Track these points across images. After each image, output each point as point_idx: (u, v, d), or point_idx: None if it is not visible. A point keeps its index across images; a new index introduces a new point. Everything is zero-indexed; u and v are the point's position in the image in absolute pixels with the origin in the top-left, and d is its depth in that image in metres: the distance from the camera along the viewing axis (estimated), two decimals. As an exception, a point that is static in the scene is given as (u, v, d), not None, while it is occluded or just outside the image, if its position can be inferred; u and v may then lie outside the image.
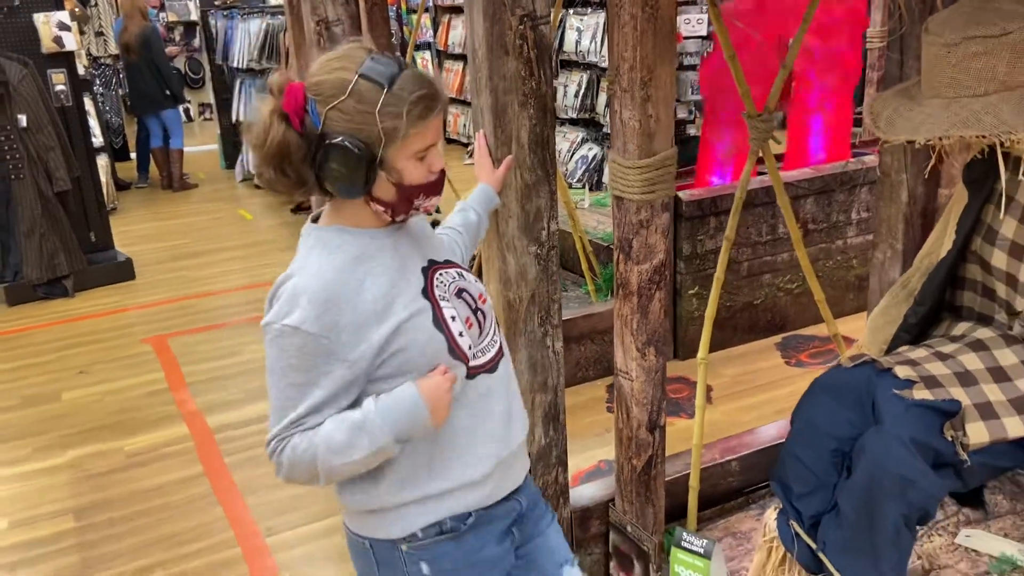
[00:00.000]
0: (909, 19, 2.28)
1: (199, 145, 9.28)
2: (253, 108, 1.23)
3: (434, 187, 1.28)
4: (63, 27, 4.77)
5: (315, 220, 1.33)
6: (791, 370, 3.53)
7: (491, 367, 1.35)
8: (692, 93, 6.40)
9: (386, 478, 1.29)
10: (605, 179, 6.31)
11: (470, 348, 1.30)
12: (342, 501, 1.36)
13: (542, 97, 1.80)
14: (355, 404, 1.25)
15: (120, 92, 8.51)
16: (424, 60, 9.37)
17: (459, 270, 1.39)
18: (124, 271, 5.04)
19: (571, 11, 6.67)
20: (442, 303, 1.29)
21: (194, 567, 2.45)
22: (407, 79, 1.19)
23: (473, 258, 3.82)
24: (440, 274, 1.34)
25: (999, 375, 1.58)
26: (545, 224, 1.87)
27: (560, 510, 2.11)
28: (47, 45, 4.74)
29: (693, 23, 6.09)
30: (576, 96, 6.69)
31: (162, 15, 8.85)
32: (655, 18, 1.66)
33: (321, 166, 1.20)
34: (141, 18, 6.80)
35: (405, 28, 8.57)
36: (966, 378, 1.58)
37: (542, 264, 1.89)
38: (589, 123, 6.78)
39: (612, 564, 2.16)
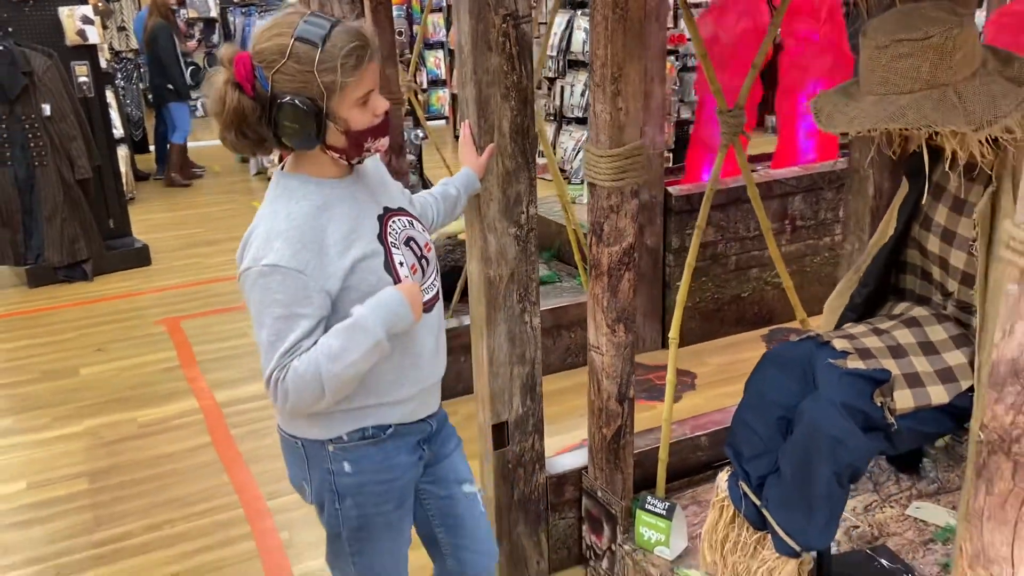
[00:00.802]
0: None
1: (213, 139, 9.50)
2: (208, 82, 1.39)
3: (380, 129, 1.43)
4: (87, 21, 4.97)
5: (283, 168, 1.50)
6: (774, 360, 3.66)
7: (428, 308, 1.53)
8: (694, 94, 6.53)
9: None
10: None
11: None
12: (286, 407, 1.51)
13: (523, 90, 1.96)
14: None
15: (141, 86, 8.75)
16: (437, 59, 9.56)
17: (409, 218, 1.55)
18: (141, 257, 5.25)
19: (579, 12, 6.81)
20: (393, 249, 1.46)
21: (199, 525, 2.63)
22: (338, 35, 1.33)
23: (459, 241, 3.99)
24: (393, 221, 1.51)
25: (928, 349, 1.73)
26: (524, 208, 2.03)
27: (536, 475, 2.27)
28: (71, 38, 4.94)
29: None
30: (583, 96, 6.83)
31: (183, 11, 9.08)
32: (624, 19, 1.81)
33: (276, 124, 1.35)
34: (157, 14, 7.00)
35: (417, 27, 8.74)
36: (898, 351, 1.72)
37: (521, 244, 2.05)
38: (594, 122, 6.91)
39: (584, 527, 2.32)
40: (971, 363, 1.69)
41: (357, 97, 1.37)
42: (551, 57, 6.88)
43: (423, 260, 1.53)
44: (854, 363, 1.68)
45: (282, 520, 2.64)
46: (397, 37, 5.53)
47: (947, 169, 1.62)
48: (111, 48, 7.89)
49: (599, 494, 2.21)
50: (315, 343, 1.38)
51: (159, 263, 5.30)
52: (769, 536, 1.80)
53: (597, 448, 2.19)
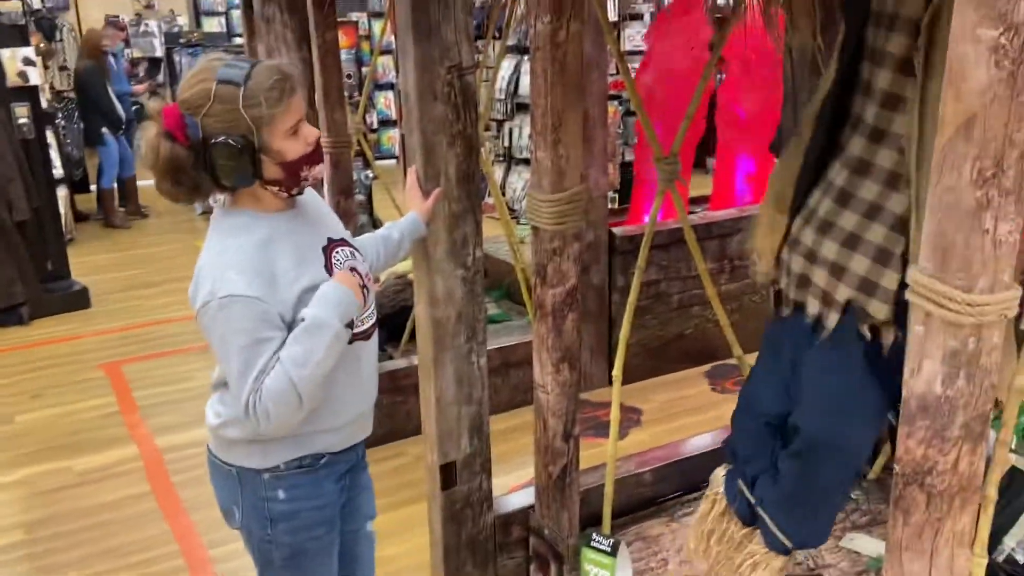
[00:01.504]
0: (800, 75, 2.57)
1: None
2: (141, 135, 1.44)
3: (314, 156, 1.50)
4: (28, 63, 4.93)
5: (224, 206, 1.54)
6: (716, 396, 3.76)
7: (366, 336, 1.59)
8: (637, 137, 6.72)
9: None
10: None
11: (356, 317, 1.52)
12: (219, 433, 1.56)
13: (468, 138, 2.02)
14: None
15: (81, 125, 8.61)
16: (387, 99, 9.64)
17: (351, 249, 1.61)
18: (80, 299, 5.14)
19: (526, 57, 6.99)
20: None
21: (140, 576, 2.58)
22: (259, 73, 1.40)
23: (409, 281, 4.01)
24: (337, 251, 1.56)
25: (852, 241, 1.59)
26: (471, 250, 2.09)
27: (484, 515, 2.29)
28: (12, 79, 4.88)
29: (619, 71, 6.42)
30: (530, 138, 6.96)
31: (127, 51, 9.01)
32: (563, 71, 1.90)
33: (212, 166, 1.40)
34: (86, 56, 6.96)
35: (366, 68, 8.82)
36: (835, 266, 1.59)
37: (468, 286, 2.10)
38: (541, 164, 7.05)
39: (532, 566, 2.34)
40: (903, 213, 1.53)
41: (286, 128, 1.43)
42: (499, 100, 7.02)
43: (364, 289, 1.58)
44: (831, 319, 1.62)
45: (224, 569, 2.60)
46: (346, 80, 5.59)
47: None
48: (52, 88, 7.77)
49: (546, 532, 2.24)
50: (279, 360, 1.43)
51: (99, 305, 5.19)
52: (756, 532, 1.84)
53: (543, 486, 2.22)
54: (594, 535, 2.14)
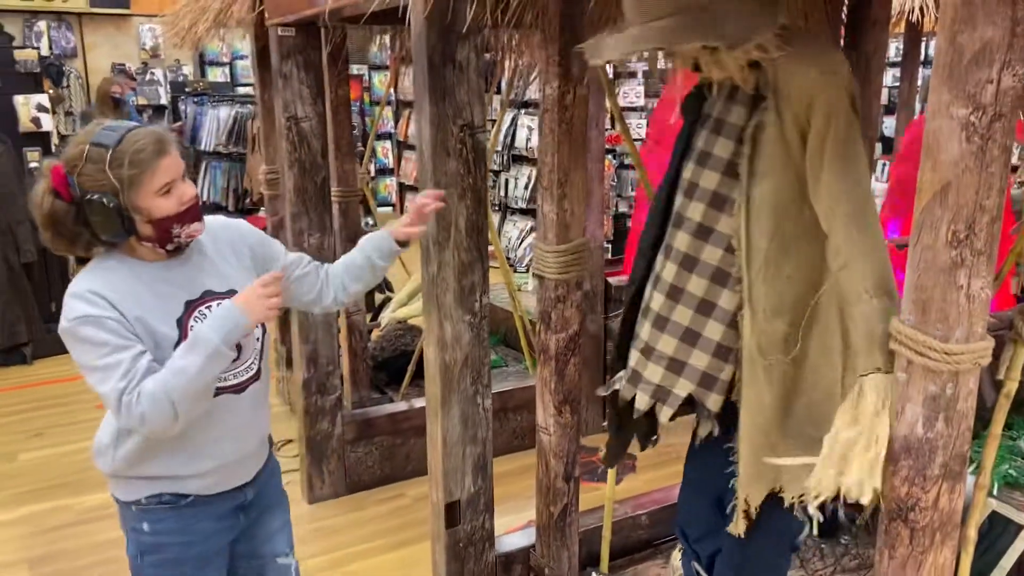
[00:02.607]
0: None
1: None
2: (33, 191, 1.54)
3: (187, 215, 1.55)
4: (41, 109, 5.07)
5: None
6: (709, 443, 3.83)
7: (238, 389, 1.63)
8: (631, 190, 6.91)
9: (121, 454, 1.58)
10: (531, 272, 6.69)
11: (224, 372, 1.55)
12: (97, 465, 1.63)
13: (477, 191, 2.15)
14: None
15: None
16: (384, 149, 9.85)
17: None
18: (82, 340, 5.19)
19: (523, 111, 7.20)
20: (191, 332, 1.53)
21: (143, 613, 2.60)
22: (130, 138, 1.50)
23: (409, 327, 4.07)
24: (206, 306, 1.59)
25: (690, 336, 1.64)
26: (478, 297, 2.19)
27: (486, 554, 2.35)
28: (25, 124, 5.01)
29: (633, 127, 6.65)
30: (526, 188, 7.14)
31: (133, 98, 9.19)
32: (569, 132, 2.03)
33: (86, 222, 1.49)
34: (98, 102, 6.82)
35: (368, 119, 9.03)
36: (674, 362, 1.65)
37: (475, 331, 2.20)
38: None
39: (532, 605, 2.40)
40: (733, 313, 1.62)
41: (156, 188, 1.51)
42: (497, 152, 7.21)
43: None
44: (640, 401, 1.71)
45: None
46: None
47: (714, 95, 1.61)
48: (58, 132, 7.93)
49: (547, 572, 2.30)
50: (147, 363, 1.47)
51: (101, 346, 5.24)
52: None
53: (544, 525, 2.29)
54: (593, 574, 2.20)
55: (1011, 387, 1.61)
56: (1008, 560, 2.15)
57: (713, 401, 1.65)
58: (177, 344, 1.52)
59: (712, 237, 1.61)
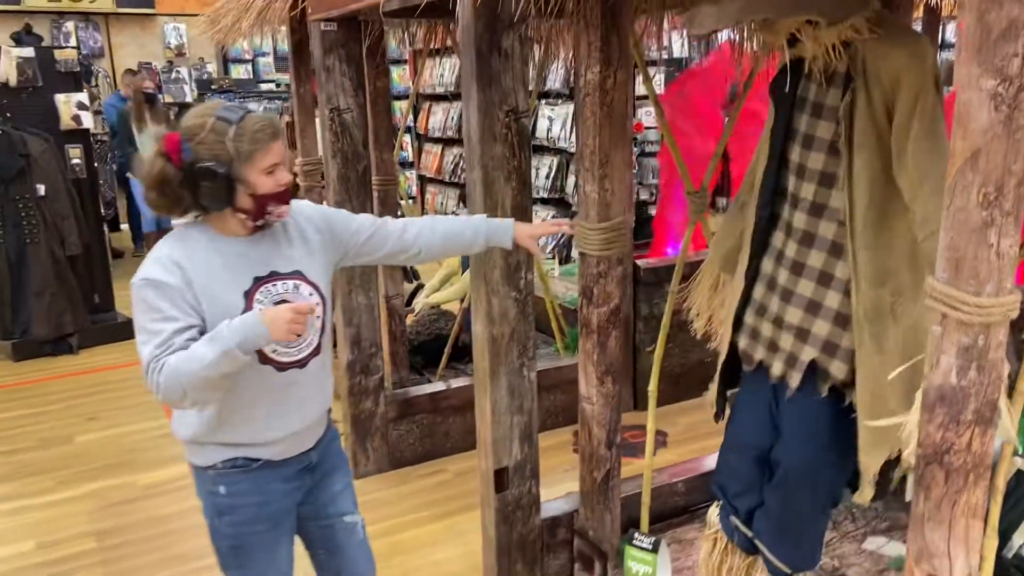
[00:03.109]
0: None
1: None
2: (145, 155, 1.70)
3: (282, 196, 1.70)
4: (82, 107, 5.23)
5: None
6: (738, 420, 3.94)
7: (301, 364, 1.75)
8: (653, 177, 7.00)
9: (203, 421, 1.70)
10: (573, 253, 6.81)
11: (269, 344, 1.65)
12: (176, 432, 1.77)
13: (522, 173, 2.26)
14: None
15: (113, 167, 8.94)
16: (405, 142, 9.98)
17: (297, 282, 1.75)
18: (125, 330, 5.36)
19: (543, 102, 7.30)
20: (256, 306, 1.66)
21: (207, 579, 2.75)
22: (251, 117, 1.65)
23: (443, 312, 4.22)
24: (275, 284, 1.71)
25: (813, 307, 1.80)
26: (523, 274, 2.31)
27: (533, 518, 2.48)
28: (66, 122, 5.18)
29: (654, 115, 6.72)
30: (547, 178, 7.25)
31: (160, 96, 9.37)
32: (611, 115, 2.14)
33: (195, 186, 1.63)
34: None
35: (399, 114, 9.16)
36: (801, 331, 1.81)
37: (520, 307, 2.32)
38: (559, 202, 7.32)
39: (576, 566, 2.52)
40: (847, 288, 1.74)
41: (264, 167, 1.65)
42: (518, 142, 7.31)
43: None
44: (793, 380, 1.84)
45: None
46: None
47: (807, 76, 1.73)
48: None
49: (590, 534, 2.43)
50: (184, 341, 1.59)
51: (142, 336, 5.42)
52: (759, 560, 2.03)
53: (588, 491, 2.41)
54: (636, 535, 2.32)
55: (1036, 346, 1.71)
56: (1034, 516, 2.25)
57: (836, 367, 1.78)
58: (242, 314, 1.64)
59: (826, 213, 1.76)
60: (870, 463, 1.77)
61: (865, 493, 1.81)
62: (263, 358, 1.69)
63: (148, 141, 6.72)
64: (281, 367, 1.72)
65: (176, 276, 1.62)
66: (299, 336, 1.65)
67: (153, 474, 3.51)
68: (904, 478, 2.83)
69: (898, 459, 1.78)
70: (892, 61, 1.58)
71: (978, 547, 1.48)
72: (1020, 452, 2.43)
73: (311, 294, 1.77)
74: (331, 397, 1.92)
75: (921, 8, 4.51)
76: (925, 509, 1.46)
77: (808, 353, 1.81)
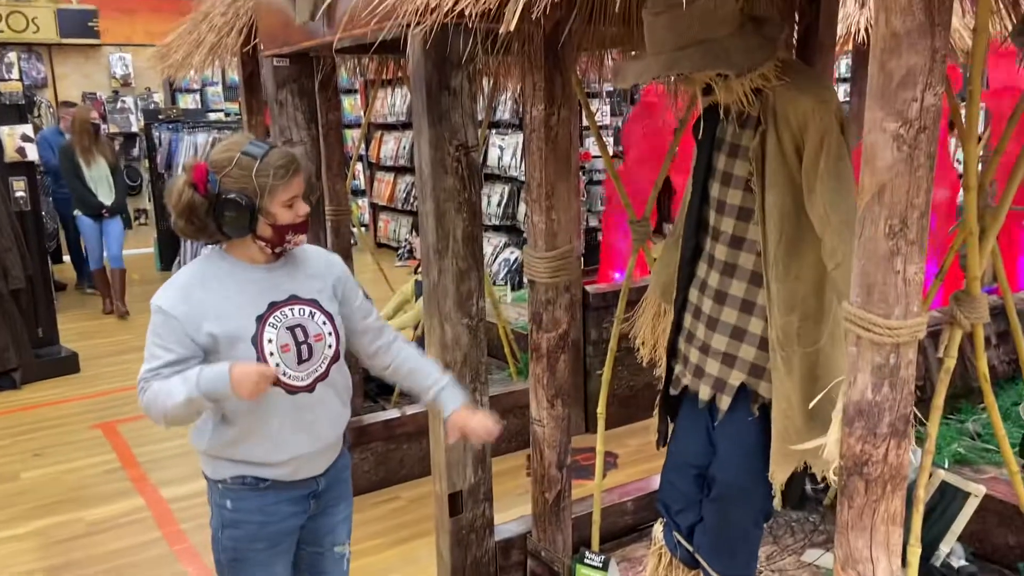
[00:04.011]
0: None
1: (133, 248, 9.54)
2: (171, 182, 1.79)
3: (300, 227, 1.82)
4: (26, 139, 5.18)
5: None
6: (685, 440, 4.06)
7: (310, 388, 1.82)
8: (601, 204, 7.17)
9: (217, 435, 1.78)
10: (525, 280, 6.91)
11: (279, 366, 1.75)
12: (192, 443, 1.85)
13: (472, 205, 2.35)
14: None
15: (50, 199, 8.76)
16: (357, 171, 10.03)
17: (312, 309, 1.84)
18: (69, 364, 5.28)
19: (494, 131, 7.44)
20: (267, 329, 1.75)
21: (160, 613, 2.74)
22: (274, 154, 1.76)
23: (416, 326, 4.25)
24: (290, 308, 1.81)
25: (737, 332, 1.93)
26: (475, 302, 2.40)
27: (487, 541, 2.54)
28: (10, 155, 5.12)
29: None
30: (499, 205, 7.37)
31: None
32: (555, 149, 2.25)
33: (220, 215, 1.73)
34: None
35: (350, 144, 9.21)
36: (726, 356, 1.96)
37: (472, 333, 2.40)
38: (511, 229, 7.45)
39: (530, 587, 2.58)
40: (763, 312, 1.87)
41: (285, 199, 1.76)
42: (469, 171, 7.43)
43: (304, 345, 1.78)
44: (723, 403, 1.96)
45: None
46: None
47: (724, 120, 1.88)
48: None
49: (543, 554, 2.50)
50: (172, 372, 1.71)
51: (88, 370, 5.34)
52: (701, 574, 2.12)
53: (540, 512, 2.49)
54: (587, 553, 2.40)
55: (949, 363, 1.85)
56: (958, 524, 2.39)
57: (764, 388, 1.91)
58: (254, 336, 1.74)
59: (745, 244, 1.91)
60: (778, 473, 1.91)
61: (776, 501, 1.93)
62: (275, 381, 1.75)
63: (100, 174, 6.33)
64: (291, 390, 1.79)
65: (183, 309, 1.71)
66: (258, 396, 1.69)
67: (100, 510, 3.46)
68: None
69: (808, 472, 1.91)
70: (800, 106, 1.73)
71: (899, 551, 1.59)
72: (945, 467, 2.58)
73: (324, 323, 1.85)
74: (343, 425, 1.95)
75: (851, 43, 4.78)
76: (848, 517, 1.57)
77: (736, 377, 1.94)
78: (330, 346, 1.85)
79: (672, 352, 2.14)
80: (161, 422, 1.72)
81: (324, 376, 1.85)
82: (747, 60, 1.69)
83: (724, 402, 1.96)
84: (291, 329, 1.80)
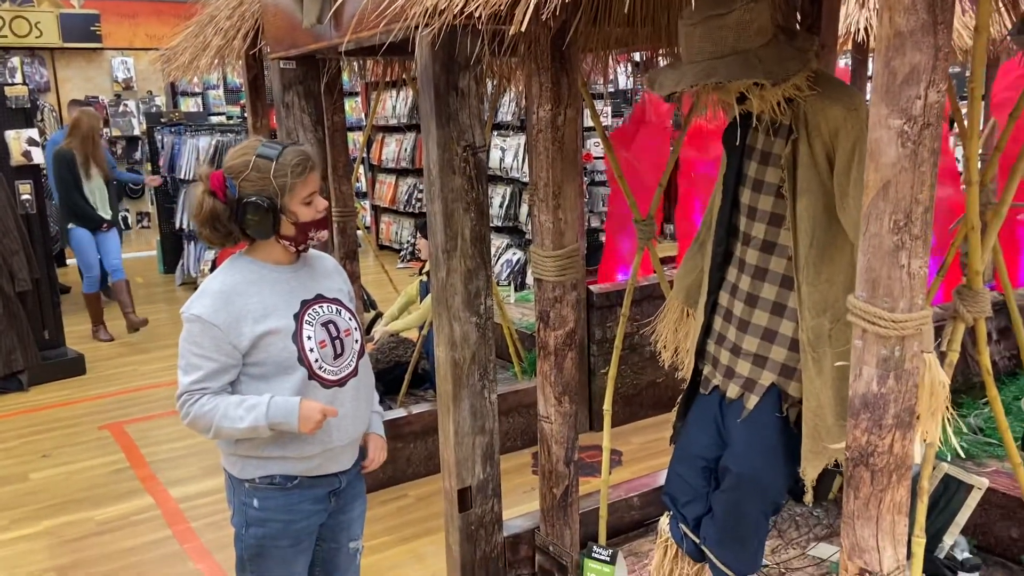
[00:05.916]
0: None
1: (136, 251, 9.58)
2: (190, 192, 1.85)
3: (322, 223, 1.87)
4: (32, 143, 5.20)
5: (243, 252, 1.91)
6: (689, 438, 4.09)
7: (342, 383, 1.88)
8: (603, 205, 7.20)
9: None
10: (528, 280, 6.95)
11: (317, 362, 1.82)
12: (219, 444, 1.89)
13: (480, 204, 2.38)
14: (236, 381, 1.80)
15: (54, 203, 8.79)
16: (359, 173, 10.06)
17: (339, 307, 1.92)
18: (76, 366, 5.31)
19: (496, 133, 7.47)
20: (305, 326, 1.82)
21: (172, 611, 2.77)
22: (288, 153, 1.79)
23: (402, 339, 4.30)
24: (320, 306, 1.87)
25: (768, 334, 1.98)
26: (483, 300, 2.43)
27: (495, 536, 2.57)
28: (16, 158, 5.14)
29: (602, 146, 6.94)
30: (501, 207, 7.40)
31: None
32: (562, 149, 2.28)
33: (242, 219, 1.78)
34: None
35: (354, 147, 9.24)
36: (757, 357, 2.00)
37: (481, 331, 2.43)
38: (513, 231, 7.47)
39: (539, 581, 2.61)
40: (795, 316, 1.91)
41: (303, 196, 1.81)
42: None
43: (337, 341, 1.87)
44: (750, 402, 2.01)
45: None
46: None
47: (755, 128, 1.92)
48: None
49: (551, 548, 2.52)
50: (220, 387, 1.76)
51: (94, 372, 5.37)
52: (706, 567, 2.16)
53: (548, 507, 2.51)
54: (594, 547, 2.43)
55: (952, 357, 1.88)
56: (962, 516, 2.42)
57: (794, 388, 1.96)
58: (294, 334, 1.79)
59: (776, 249, 1.96)
60: (809, 470, 1.93)
61: (807, 497, 1.97)
62: (311, 374, 1.82)
63: (97, 186, 5.94)
64: (326, 384, 1.84)
65: (223, 316, 1.75)
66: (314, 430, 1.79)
67: (110, 509, 3.49)
68: (841, 487, 3.00)
69: (837, 468, 1.96)
70: (831, 115, 1.78)
71: (904, 540, 1.62)
72: (948, 460, 2.61)
73: (350, 319, 1.93)
74: (367, 422, 2.00)
75: (850, 43, 4.81)
76: (854, 507, 1.60)
77: (767, 377, 1.98)
78: (356, 341, 1.92)
79: (700, 354, 2.18)
80: (205, 435, 1.77)
81: (354, 372, 1.92)
82: (781, 70, 1.75)
83: (751, 401, 2.01)
84: (325, 325, 1.86)
